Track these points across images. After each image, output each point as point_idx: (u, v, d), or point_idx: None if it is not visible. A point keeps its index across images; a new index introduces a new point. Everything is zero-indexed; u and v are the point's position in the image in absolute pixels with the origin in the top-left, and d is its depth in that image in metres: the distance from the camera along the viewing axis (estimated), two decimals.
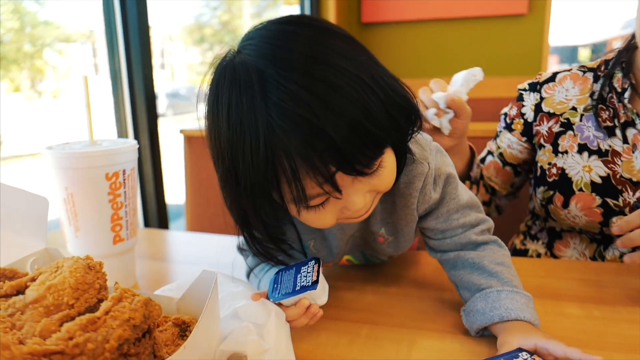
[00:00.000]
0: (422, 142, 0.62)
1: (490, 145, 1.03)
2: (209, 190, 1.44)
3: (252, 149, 0.47)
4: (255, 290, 0.61)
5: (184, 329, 0.48)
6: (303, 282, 0.57)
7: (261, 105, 0.46)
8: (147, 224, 1.46)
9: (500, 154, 1.00)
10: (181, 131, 1.48)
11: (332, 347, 0.60)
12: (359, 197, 0.53)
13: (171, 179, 1.56)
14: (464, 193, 0.67)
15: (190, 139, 1.47)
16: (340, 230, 0.67)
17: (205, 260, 0.93)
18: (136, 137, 1.42)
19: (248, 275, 0.74)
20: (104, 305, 0.38)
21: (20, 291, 0.44)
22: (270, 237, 0.62)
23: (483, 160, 1.04)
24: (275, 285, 0.60)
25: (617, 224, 0.67)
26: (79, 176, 0.66)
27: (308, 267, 0.60)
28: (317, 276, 0.57)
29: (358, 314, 0.68)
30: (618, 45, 0.83)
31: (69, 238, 0.71)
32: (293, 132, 0.45)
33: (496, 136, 1.02)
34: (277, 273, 0.62)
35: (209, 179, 1.44)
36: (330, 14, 2.61)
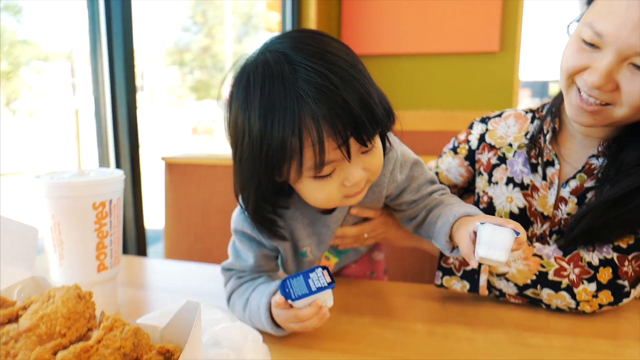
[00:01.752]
0: (390, 135, 0.73)
1: (431, 163, 1.10)
2: (189, 218, 1.46)
3: (284, 120, 0.57)
4: (233, 317, 0.65)
5: (168, 357, 0.51)
6: (317, 284, 0.64)
7: (291, 80, 0.57)
8: (125, 250, 1.46)
9: (436, 174, 1.06)
10: (162, 158, 1.50)
11: None
12: (358, 169, 0.64)
13: (148, 202, 1.58)
14: (429, 172, 0.82)
15: (171, 166, 1.49)
16: (329, 234, 0.79)
17: (185, 289, 0.95)
18: (117, 163, 1.44)
19: (228, 300, 0.79)
20: (96, 334, 0.41)
21: (12, 319, 0.46)
22: (275, 211, 0.72)
23: None
24: (286, 290, 0.65)
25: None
26: (66, 205, 0.68)
27: (317, 272, 0.66)
28: (331, 278, 0.64)
29: (333, 344, 0.71)
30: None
31: (53, 265, 0.73)
32: (321, 100, 0.57)
33: (440, 156, 1.09)
34: (284, 280, 0.67)
35: (189, 208, 1.46)
36: None
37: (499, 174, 0.94)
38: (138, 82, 1.46)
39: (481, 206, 0.96)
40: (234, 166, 0.67)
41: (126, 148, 1.43)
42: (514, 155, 0.93)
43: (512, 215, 0.91)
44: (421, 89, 2.91)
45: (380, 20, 2.84)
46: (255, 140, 0.60)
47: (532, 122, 0.95)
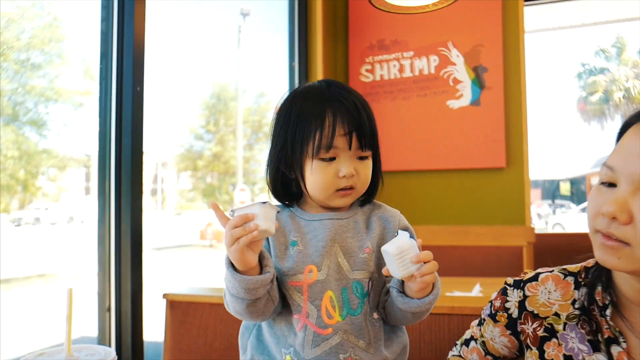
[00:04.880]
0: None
1: (475, 331, 0.99)
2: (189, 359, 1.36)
3: (314, 111, 0.83)
4: None
5: None
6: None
7: (326, 91, 0.86)
8: None
9: (483, 343, 0.95)
10: (164, 295, 1.44)
11: None
12: (350, 166, 0.83)
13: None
14: None
15: (173, 304, 1.42)
16: (324, 230, 0.85)
17: None
18: (117, 269, 1.37)
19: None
20: None
21: None
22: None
23: (467, 342, 0.99)
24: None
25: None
26: None
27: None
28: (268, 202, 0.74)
29: None
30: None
31: None
32: (340, 104, 0.83)
33: (480, 323, 0.98)
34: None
35: (189, 350, 1.37)
36: None
37: (552, 351, 0.83)
38: (150, 185, 1.45)
39: None
40: (269, 156, 0.88)
41: (128, 258, 1.38)
42: (564, 329, 0.83)
43: None
44: (432, 204, 2.89)
45: (389, 138, 2.91)
46: (293, 123, 0.84)
47: (576, 287, 0.85)
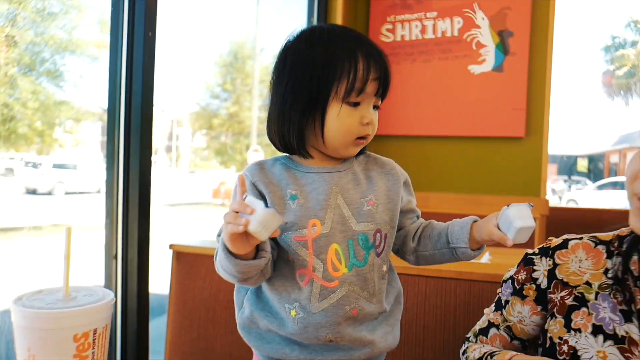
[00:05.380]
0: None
1: (492, 317, 0.93)
2: (193, 312, 1.37)
3: (343, 51, 0.78)
4: None
5: None
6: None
7: (348, 33, 0.82)
8: (124, 354, 1.37)
9: (508, 327, 0.90)
10: (171, 246, 1.44)
11: None
12: (370, 112, 0.81)
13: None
14: None
15: (179, 255, 1.42)
16: (324, 183, 0.81)
17: None
18: (125, 222, 1.37)
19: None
20: None
21: None
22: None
23: (485, 331, 0.93)
24: None
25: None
26: (43, 338, 0.61)
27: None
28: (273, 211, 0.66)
29: None
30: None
31: None
32: (371, 48, 0.80)
33: (498, 306, 0.93)
34: None
35: (194, 301, 1.37)
36: None
37: (581, 319, 0.79)
38: (165, 142, 1.44)
39: (560, 357, 0.80)
40: (274, 108, 0.82)
41: (135, 207, 1.38)
42: (596, 298, 0.79)
43: None
44: (446, 171, 2.84)
45: (407, 101, 2.84)
46: (321, 61, 0.77)
47: (608, 257, 0.81)
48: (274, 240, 0.80)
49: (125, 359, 1.36)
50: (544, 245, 0.89)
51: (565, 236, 0.88)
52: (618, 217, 0.88)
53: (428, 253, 0.88)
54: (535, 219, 0.75)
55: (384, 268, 0.84)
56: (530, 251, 0.90)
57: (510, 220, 0.75)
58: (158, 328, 1.71)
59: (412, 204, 0.91)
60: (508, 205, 0.76)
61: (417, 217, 0.92)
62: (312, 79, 0.78)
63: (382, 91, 0.81)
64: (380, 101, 0.83)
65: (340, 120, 0.79)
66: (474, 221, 0.83)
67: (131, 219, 1.39)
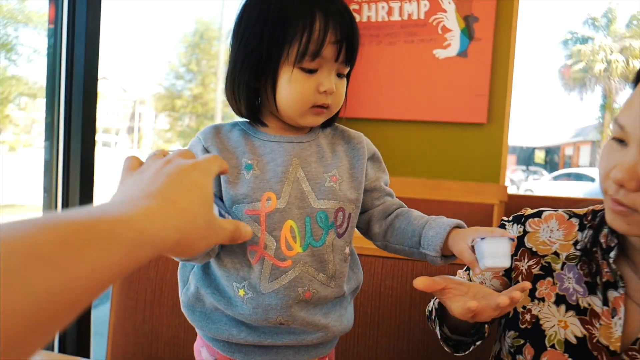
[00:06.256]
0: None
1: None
2: (137, 293, 1.30)
3: (300, 7, 0.70)
4: None
5: None
6: None
7: None
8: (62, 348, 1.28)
9: None
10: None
11: None
12: (330, 80, 0.72)
13: None
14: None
15: None
16: (284, 153, 0.75)
17: None
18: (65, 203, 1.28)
19: None
20: None
21: None
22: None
23: None
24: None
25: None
26: None
27: None
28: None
29: None
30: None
31: None
32: (332, 6, 0.71)
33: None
34: None
35: (139, 282, 1.30)
36: None
37: (545, 289, 0.79)
38: (127, 123, 1.35)
39: (522, 326, 0.80)
40: (229, 69, 0.75)
41: (77, 185, 1.29)
42: (562, 268, 0.80)
43: (569, 346, 0.75)
44: (408, 155, 2.84)
45: (370, 84, 2.80)
46: (272, 21, 0.70)
47: (580, 229, 0.81)
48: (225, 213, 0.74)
49: (64, 343, 1.28)
50: (519, 213, 0.89)
51: (541, 208, 0.88)
52: (573, 205, 0.88)
53: (398, 247, 0.80)
54: (511, 239, 0.66)
55: (347, 250, 0.78)
56: (504, 218, 0.90)
57: (482, 255, 0.66)
58: (105, 310, 1.63)
59: (381, 181, 0.84)
60: (483, 238, 0.66)
61: (390, 197, 0.85)
62: (263, 39, 0.71)
63: (347, 57, 0.72)
64: (346, 68, 0.75)
65: (292, 87, 0.71)
66: (454, 227, 0.74)
67: (72, 199, 1.29)
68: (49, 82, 1.30)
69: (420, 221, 0.77)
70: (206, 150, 0.75)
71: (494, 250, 0.65)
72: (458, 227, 0.74)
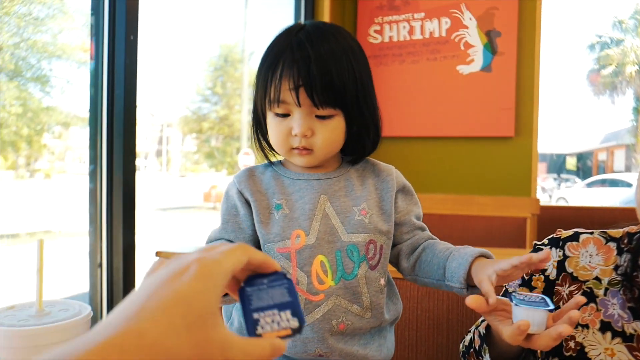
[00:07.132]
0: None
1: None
2: None
3: (271, 58, 0.74)
4: None
5: None
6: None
7: (293, 35, 0.74)
8: None
9: None
10: (157, 253, 1.41)
11: None
12: (303, 124, 0.73)
13: None
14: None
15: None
16: (311, 191, 0.78)
17: None
18: (109, 228, 1.34)
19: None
20: None
21: None
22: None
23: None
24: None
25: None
26: (16, 356, 0.58)
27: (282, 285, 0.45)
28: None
29: None
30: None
31: None
32: (297, 53, 0.72)
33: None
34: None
35: None
36: None
37: (589, 316, 0.78)
38: (155, 147, 1.42)
39: (567, 354, 0.78)
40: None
41: (120, 215, 1.35)
42: (605, 294, 0.78)
43: None
44: (436, 172, 2.83)
45: (396, 103, 2.83)
46: (258, 71, 0.77)
47: (618, 253, 0.80)
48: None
49: None
50: (554, 235, 0.87)
51: (576, 229, 0.86)
52: (608, 215, 0.86)
53: (427, 280, 0.80)
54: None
55: (382, 281, 0.79)
56: (538, 242, 0.88)
57: (517, 319, 0.64)
58: None
59: (411, 214, 0.84)
60: (520, 299, 0.65)
61: (420, 231, 0.85)
62: (257, 89, 0.78)
63: (313, 101, 0.71)
64: (322, 109, 0.73)
65: (271, 131, 0.78)
66: (477, 256, 0.73)
67: (115, 226, 1.35)
68: (92, 112, 1.38)
69: (445, 253, 0.77)
70: (240, 193, 0.79)
71: (530, 318, 0.63)
72: (483, 255, 0.73)
